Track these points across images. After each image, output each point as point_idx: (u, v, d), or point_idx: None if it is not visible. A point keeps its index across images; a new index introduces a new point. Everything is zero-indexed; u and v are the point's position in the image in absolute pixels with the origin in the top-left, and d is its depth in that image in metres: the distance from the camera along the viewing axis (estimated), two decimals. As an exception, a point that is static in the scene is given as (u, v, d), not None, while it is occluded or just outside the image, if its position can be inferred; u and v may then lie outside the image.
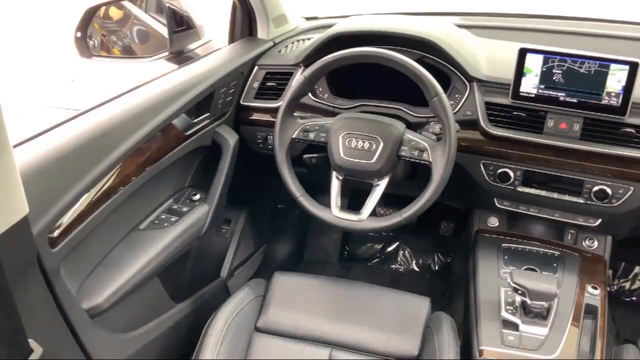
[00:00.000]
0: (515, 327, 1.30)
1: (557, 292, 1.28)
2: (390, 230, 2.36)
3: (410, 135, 1.40)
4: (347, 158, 1.40)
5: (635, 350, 1.32)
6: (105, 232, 1.28)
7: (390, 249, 2.42)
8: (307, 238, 2.42)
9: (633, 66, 1.34)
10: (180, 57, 1.72)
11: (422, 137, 1.40)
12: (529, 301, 1.30)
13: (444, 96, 1.33)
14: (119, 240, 1.35)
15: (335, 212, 1.42)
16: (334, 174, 1.45)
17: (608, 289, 2.18)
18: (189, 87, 1.46)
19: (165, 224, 1.45)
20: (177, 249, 1.43)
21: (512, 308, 1.35)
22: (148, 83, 1.44)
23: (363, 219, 1.40)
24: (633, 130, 1.40)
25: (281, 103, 1.46)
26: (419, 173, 1.61)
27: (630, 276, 2.22)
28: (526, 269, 1.47)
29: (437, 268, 2.34)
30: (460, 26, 1.77)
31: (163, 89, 1.41)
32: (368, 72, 1.48)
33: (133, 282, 1.29)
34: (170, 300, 1.54)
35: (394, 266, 2.39)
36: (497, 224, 1.67)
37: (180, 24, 1.70)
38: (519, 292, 1.32)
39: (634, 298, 2.21)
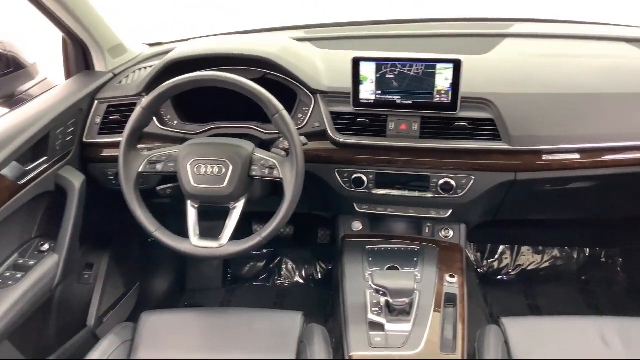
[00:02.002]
0: (381, 327, 1.34)
1: (415, 287, 1.33)
2: (253, 252, 2.37)
3: (259, 154, 1.40)
4: (198, 185, 1.37)
5: (498, 330, 1.39)
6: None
7: (273, 264, 2.41)
8: (186, 267, 2.36)
9: (456, 64, 1.42)
10: (12, 101, 1.60)
11: (271, 155, 1.41)
12: (391, 300, 1.34)
13: (284, 113, 1.34)
14: None
15: (194, 242, 1.38)
16: (189, 202, 1.42)
17: (480, 270, 2.33)
18: (17, 133, 1.36)
19: (10, 282, 1.34)
20: (25, 308, 1.33)
21: (377, 309, 1.38)
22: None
23: (223, 244, 1.38)
24: (466, 124, 1.49)
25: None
26: (280, 188, 1.61)
27: (497, 256, 2.37)
28: (389, 268, 1.52)
29: (320, 277, 2.37)
30: (301, 39, 1.81)
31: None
32: (217, 94, 1.47)
33: None
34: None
35: (279, 281, 2.39)
36: (360, 228, 1.71)
37: (7, 66, 1.59)
38: (381, 292, 1.36)
39: (504, 277, 2.36)
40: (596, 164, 1.50)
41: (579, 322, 1.41)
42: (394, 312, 1.36)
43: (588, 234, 2.31)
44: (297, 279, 2.38)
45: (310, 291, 2.32)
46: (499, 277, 2.36)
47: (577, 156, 1.48)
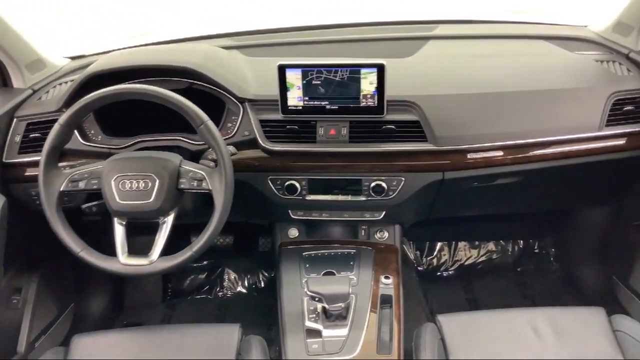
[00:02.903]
0: (318, 334, 1.34)
1: (350, 291, 1.34)
2: (192, 264, 2.33)
3: (187, 166, 1.37)
4: (123, 202, 1.33)
5: (434, 328, 1.41)
6: None
7: (214, 276, 2.38)
8: (124, 284, 2.29)
9: (380, 68, 1.44)
10: None
11: (199, 166, 1.38)
12: (327, 306, 1.34)
13: (209, 123, 1.32)
14: None
15: (122, 260, 1.34)
16: (115, 220, 1.38)
17: (420, 268, 2.36)
18: None
19: None
20: None
21: (314, 316, 1.38)
22: None
23: (154, 260, 1.34)
24: (393, 127, 1.51)
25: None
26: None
27: (435, 252, 2.42)
28: (325, 273, 1.53)
29: (263, 285, 2.35)
30: (228, 47, 1.79)
31: None
32: (143, 106, 1.43)
33: None
34: None
35: (221, 293, 2.35)
36: (297, 234, 1.71)
37: None
38: (316, 299, 1.36)
39: (444, 273, 2.41)
40: (520, 159, 1.55)
41: (512, 314, 1.45)
42: (331, 317, 1.37)
43: (522, 227, 2.39)
44: (240, 288, 2.36)
45: (254, 300, 2.30)
46: (438, 274, 2.41)
47: (500, 153, 1.53)
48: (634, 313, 1.83)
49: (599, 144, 1.56)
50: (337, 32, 1.88)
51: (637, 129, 1.56)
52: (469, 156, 1.53)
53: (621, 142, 1.57)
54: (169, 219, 1.38)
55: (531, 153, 1.55)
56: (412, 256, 2.40)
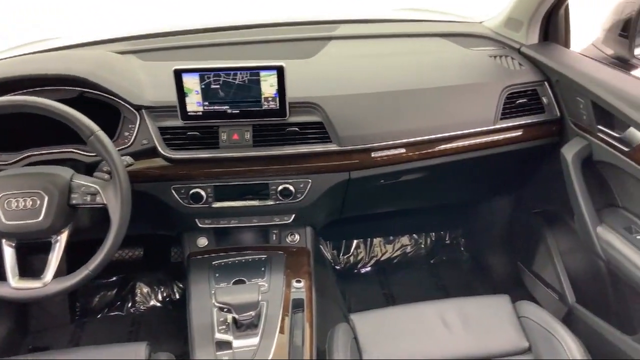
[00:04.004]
0: (228, 345, 1.30)
1: (259, 298, 1.31)
2: (100, 280, 2.24)
3: (79, 180, 1.30)
4: (10, 222, 1.24)
5: (347, 327, 1.41)
6: None
7: (125, 291, 2.27)
8: (28, 306, 2.14)
9: (279, 70, 1.42)
10: None
11: (92, 180, 1.31)
12: (237, 316, 1.31)
13: (100, 134, 1.25)
14: None
15: (13, 284, 1.25)
16: (3, 241, 1.28)
17: (337, 267, 2.37)
18: None
19: None
20: None
21: (224, 327, 1.34)
22: None
23: (47, 282, 1.26)
24: (297, 129, 1.50)
25: None
26: None
27: (352, 250, 2.44)
28: (236, 282, 1.49)
29: (178, 297, 2.27)
30: (124, 52, 1.71)
31: None
32: (30, 118, 1.33)
33: None
34: None
35: (133, 309, 2.25)
36: (206, 243, 1.66)
37: None
38: (225, 309, 1.32)
39: (361, 270, 2.43)
40: (423, 155, 1.58)
41: (422, 308, 1.47)
42: (242, 327, 1.33)
43: (433, 219, 2.45)
44: (154, 302, 2.26)
45: (169, 314, 2.22)
46: (355, 271, 2.42)
47: (403, 150, 1.55)
48: (538, 297, 1.92)
49: (496, 137, 1.62)
50: (238, 34, 1.84)
51: (530, 121, 1.63)
52: (373, 155, 1.54)
53: (517, 133, 1.64)
54: (62, 238, 1.30)
55: (433, 149, 1.58)
56: (329, 256, 2.40)
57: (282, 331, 1.35)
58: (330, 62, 1.69)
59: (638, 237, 1.41)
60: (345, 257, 2.43)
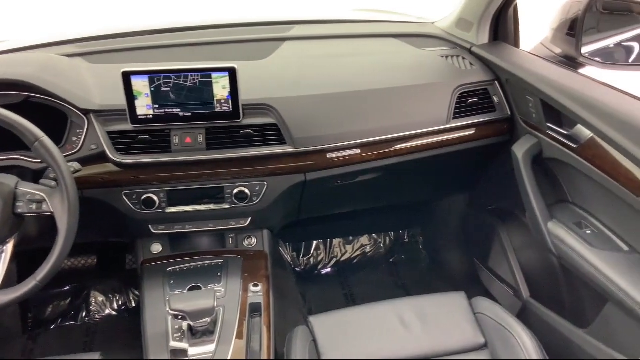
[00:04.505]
0: (184, 353, 1.27)
1: (215, 304, 1.29)
2: (52, 290, 2.17)
3: (24, 187, 1.24)
4: None
5: (305, 330, 1.41)
6: None
7: (79, 300, 2.20)
8: None
9: (232, 72, 1.40)
10: None
11: (38, 187, 1.26)
12: (192, 323, 1.28)
13: (44, 140, 1.21)
14: None
15: None
16: None
17: (297, 269, 2.36)
18: None
19: None
20: None
21: (179, 335, 1.32)
22: None
23: None
24: (251, 131, 1.48)
25: None
26: None
27: (312, 252, 2.43)
28: (191, 288, 1.46)
29: (134, 305, 2.22)
30: (72, 55, 1.66)
31: None
32: None
33: None
34: None
35: (88, 318, 2.18)
36: (160, 250, 1.62)
37: None
38: (179, 317, 1.29)
39: (321, 271, 2.42)
40: (377, 156, 1.59)
41: (380, 308, 1.48)
42: (197, 334, 1.30)
43: (392, 219, 2.47)
44: (109, 311, 2.21)
45: (125, 322, 2.17)
46: (316, 273, 2.42)
47: (358, 151, 1.55)
48: (494, 292, 1.95)
49: (449, 136, 1.64)
50: (191, 35, 1.80)
51: (481, 120, 1.66)
52: (328, 156, 1.54)
53: (469, 132, 1.66)
54: (8, 248, 1.25)
55: (388, 149, 1.59)
56: (288, 258, 2.39)
57: (239, 336, 1.33)
58: (284, 63, 1.68)
59: (588, 231, 1.44)
60: (305, 258, 2.43)
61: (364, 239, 2.47)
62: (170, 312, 1.28)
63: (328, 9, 2.48)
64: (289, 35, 1.82)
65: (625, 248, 1.35)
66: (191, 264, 1.56)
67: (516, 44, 1.78)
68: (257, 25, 1.92)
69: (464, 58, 1.75)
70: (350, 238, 2.46)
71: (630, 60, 1.62)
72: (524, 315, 1.74)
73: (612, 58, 1.64)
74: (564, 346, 1.54)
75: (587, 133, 1.39)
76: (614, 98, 1.33)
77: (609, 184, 1.32)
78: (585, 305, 1.50)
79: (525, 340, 1.32)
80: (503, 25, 1.76)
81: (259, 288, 1.47)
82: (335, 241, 2.45)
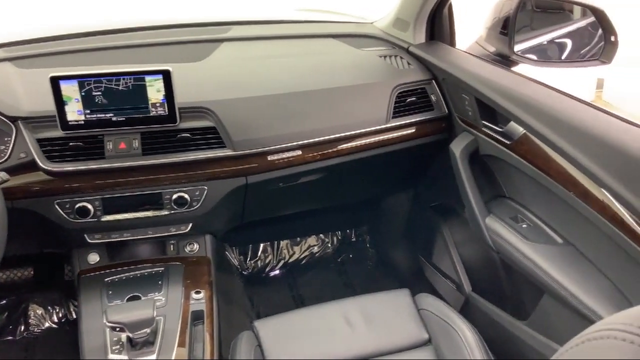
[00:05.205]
0: (123, 366, 1.24)
1: (154, 314, 1.25)
2: None
3: None
4: None
5: (250, 335, 1.39)
6: None
7: (16, 314, 2.11)
8: None
9: (166, 75, 1.37)
10: None
11: None
12: (131, 334, 1.24)
13: None
14: None
15: None
16: None
17: (244, 272, 2.33)
18: None
19: None
20: None
21: (118, 347, 1.27)
22: None
23: None
24: (189, 135, 1.45)
25: None
26: None
27: (259, 254, 2.41)
28: (130, 298, 1.42)
29: (74, 317, 2.14)
30: (0, 60, 1.59)
31: None
32: None
33: None
34: None
35: (26, 332, 2.10)
36: (98, 259, 1.56)
37: None
38: (117, 329, 1.25)
39: (269, 274, 2.40)
40: (318, 157, 1.58)
41: (325, 309, 1.48)
42: (137, 345, 1.27)
43: (339, 218, 2.47)
44: (49, 324, 2.12)
45: (66, 335, 2.09)
46: (263, 275, 2.40)
47: (299, 152, 1.54)
48: (439, 288, 1.98)
49: (389, 135, 1.65)
50: (126, 37, 1.75)
51: (420, 119, 1.68)
52: (269, 158, 1.52)
53: (409, 131, 1.68)
54: None
55: (329, 149, 1.59)
56: (235, 262, 2.36)
57: (181, 345, 1.30)
58: (222, 65, 1.66)
59: (524, 225, 1.48)
60: (252, 261, 2.40)
61: (312, 240, 2.47)
62: (108, 324, 1.24)
63: (270, 9, 2.45)
64: (227, 36, 1.80)
65: (559, 240, 1.40)
66: (130, 273, 1.51)
67: (452, 43, 1.81)
68: (194, 26, 1.88)
69: (401, 58, 1.77)
70: (298, 239, 2.45)
71: (563, 57, 1.68)
72: (466, 309, 1.77)
73: (545, 55, 1.70)
74: (505, 338, 1.58)
75: (519, 130, 1.43)
76: (544, 95, 1.36)
77: (542, 179, 1.36)
78: (524, 298, 1.54)
79: (467, 334, 1.35)
80: (439, 25, 1.79)
81: (201, 295, 1.44)
82: (283, 243, 2.44)
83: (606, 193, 1.15)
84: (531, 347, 1.46)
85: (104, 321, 1.27)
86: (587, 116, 1.24)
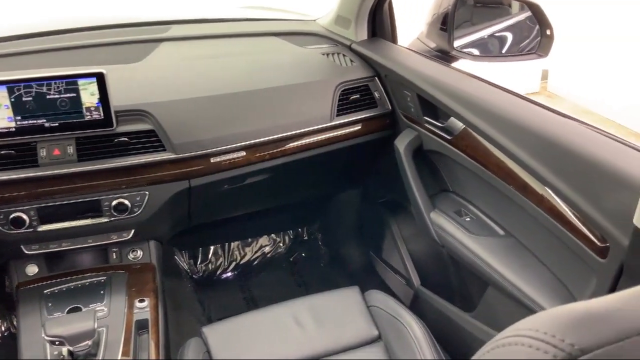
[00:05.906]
0: (64, 381, 1.19)
1: (95, 326, 1.21)
2: None
3: None
4: None
5: (198, 341, 1.37)
6: None
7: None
8: None
9: (99, 77, 1.32)
10: None
11: None
12: (71, 348, 1.20)
13: None
14: None
15: None
16: None
17: (195, 276, 2.29)
18: None
19: None
20: None
21: None
22: None
23: None
24: (127, 139, 1.40)
25: None
26: None
27: (210, 257, 2.37)
28: (71, 310, 1.37)
29: (13, 330, 2.06)
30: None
31: None
32: None
33: None
34: None
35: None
36: (37, 271, 1.50)
37: None
38: (57, 343, 1.20)
39: (221, 276, 2.37)
40: (263, 157, 1.56)
41: (275, 310, 1.46)
42: (78, 359, 1.22)
43: (290, 217, 2.45)
44: (-11, 339, 2.04)
45: (9, 350, 2.01)
46: (215, 278, 2.36)
47: (243, 153, 1.52)
48: (389, 283, 2.00)
49: (335, 133, 1.64)
50: (59, 39, 1.68)
51: (364, 116, 1.68)
52: (212, 160, 1.49)
53: (354, 128, 1.68)
54: None
55: (274, 149, 1.57)
56: (185, 266, 2.32)
57: (125, 355, 1.26)
58: (160, 65, 1.62)
59: (467, 219, 1.51)
60: (203, 265, 2.36)
61: (263, 240, 2.45)
62: (47, 338, 1.19)
63: (213, 7, 2.41)
64: (166, 35, 1.76)
65: (501, 232, 1.43)
66: (71, 284, 1.46)
67: (393, 39, 1.82)
68: (132, 26, 1.83)
69: (344, 55, 1.77)
70: (249, 240, 2.43)
71: (502, 52, 1.71)
72: (416, 304, 1.79)
73: (484, 50, 1.73)
74: (453, 331, 1.60)
75: (459, 125, 1.45)
76: (483, 91, 1.39)
77: (482, 173, 1.38)
78: (470, 290, 1.57)
79: (415, 329, 1.36)
80: (380, 21, 1.79)
81: (145, 303, 1.40)
82: (234, 244, 2.40)
83: (544, 186, 1.17)
84: (478, 339, 1.49)
85: (43, 335, 1.22)
86: (525, 111, 1.26)
